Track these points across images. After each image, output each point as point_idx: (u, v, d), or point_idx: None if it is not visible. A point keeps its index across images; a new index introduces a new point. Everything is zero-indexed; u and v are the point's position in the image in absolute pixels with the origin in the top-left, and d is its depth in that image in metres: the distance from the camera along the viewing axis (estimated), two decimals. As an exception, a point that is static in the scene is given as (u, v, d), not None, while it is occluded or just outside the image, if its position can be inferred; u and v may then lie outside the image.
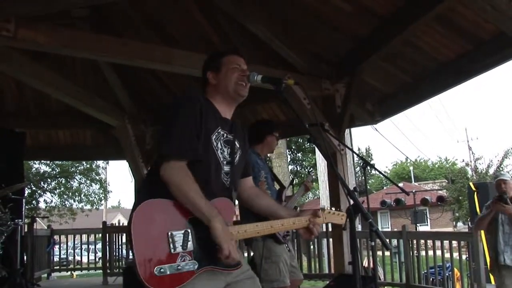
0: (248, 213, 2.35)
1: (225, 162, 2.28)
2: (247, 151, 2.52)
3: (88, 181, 23.63)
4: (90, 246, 10.67)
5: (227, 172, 2.29)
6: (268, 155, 4.40)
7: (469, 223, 9.75)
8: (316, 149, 16.53)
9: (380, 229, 2.16)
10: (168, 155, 2.12)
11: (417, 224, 13.01)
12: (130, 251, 1.98)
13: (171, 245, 2.00)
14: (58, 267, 10.04)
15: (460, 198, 22.53)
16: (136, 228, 1.98)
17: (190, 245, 2.04)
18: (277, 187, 4.43)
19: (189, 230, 2.06)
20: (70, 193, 23.30)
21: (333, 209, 2.49)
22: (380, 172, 4.85)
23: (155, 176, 2.13)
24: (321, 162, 14.70)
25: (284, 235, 4.00)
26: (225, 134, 2.31)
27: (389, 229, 27.86)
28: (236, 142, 2.36)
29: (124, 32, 6.98)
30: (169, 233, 2.01)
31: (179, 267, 2.00)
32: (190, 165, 2.12)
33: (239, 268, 2.22)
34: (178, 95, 2.36)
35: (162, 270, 1.96)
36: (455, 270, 8.90)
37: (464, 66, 5.54)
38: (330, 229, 7.25)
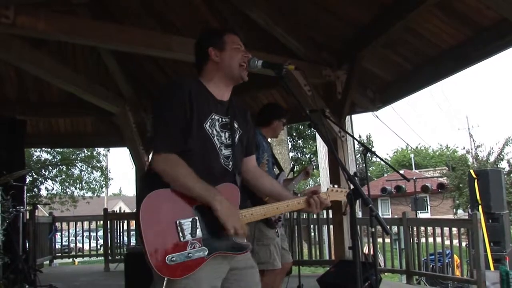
0: (244, 197, 2.35)
1: (223, 147, 2.26)
2: (249, 128, 2.48)
3: (89, 169, 23.67)
4: (91, 233, 10.72)
5: (227, 156, 2.27)
6: (269, 140, 4.42)
7: (469, 210, 9.77)
8: (317, 136, 16.54)
9: (380, 216, 2.17)
10: (157, 149, 2.15)
11: (418, 211, 13.04)
12: (140, 241, 2.00)
13: (180, 234, 2.02)
14: (60, 254, 10.09)
15: (461, 185, 22.52)
16: (144, 220, 2.00)
17: (199, 232, 2.06)
18: (276, 172, 4.44)
19: (197, 218, 2.07)
20: (71, 181, 23.36)
21: (336, 186, 2.51)
22: (380, 158, 4.85)
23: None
24: (321, 149, 14.71)
25: (276, 219, 4.02)
26: (220, 118, 2.27)
27: (390, 216, 27.94)
28: (234, 123, 2.33)
29: (124, 19, 6.96)
30: (177, 222, 2.03)
31: (189, 254, 2.02)
32: (186, 156, 2.12)
33: (248, 251, 2.25)
34: (165, 82, 2.32)
35: (173, 258, 1.98)
36: (455, 257, 8.94)
37: (465, 52, 5.53)
38: (330, 215, 7.27)
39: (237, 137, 2.34)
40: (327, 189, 2.49)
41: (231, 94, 2.40)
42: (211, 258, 2.07)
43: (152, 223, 2.01)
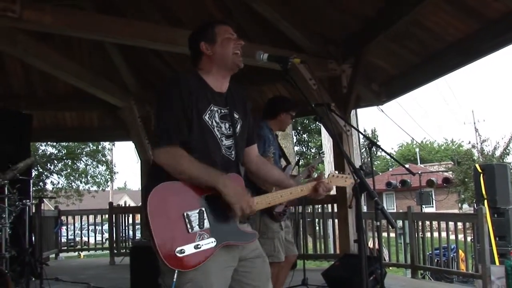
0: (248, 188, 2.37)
1: (224, 138, 2.27)
2: (249, 117, 2.48)
3: (94, 163, 23.74)
4: (97, 227, 10.75)
5: (229, 146, 2.28)
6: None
7: (475, 204, 9.74)
8: (322, 130, 16.50)
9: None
10: (158, 143, 2.16)
11: (423, 206, 13.02)
12: (149, 235, 2.01)
13: (188, 225, 2.03)
14: (65, 247, 10.15)
15: (466, 180, 22.44)
16: (152, 213, 2.01)
17: (206, 223, 2.08)
18: (283, 164, 4.43)
19: (204, 209, 2.09)
20: (77, 175, 23.43)
21: (337, 172, 2.54)
22: (385, 152, 4.82)
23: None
24: (326, 143, 14.70)
25: (281, 212, 4.02)
26: (219, 110, 2.28)
27: (395, 211, 27.89)
28: (234, 113, 2.34)
29: (129, 13, 6.96)
30: (185, 214, 2.04)
31: (198, 245, 2.03)
32: (188, 148, 2.14)
33: (255, 240, 2.27)
34: (166, 79, 2.37)
35: (182, 250, 2.00)
36: (460, 251, 8.92)
37: (472, 46, 5.49)
38: (335, 209, 7.27)
39: (238, 127, 2.35)
40: (328, 175, 2.51)
41: (230, 82, 2.41)
42: (220, 248, 2.09)
43: (160, 216, 2.02)
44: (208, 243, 2.06)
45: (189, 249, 2.01)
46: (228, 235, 2.13)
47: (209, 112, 2.24)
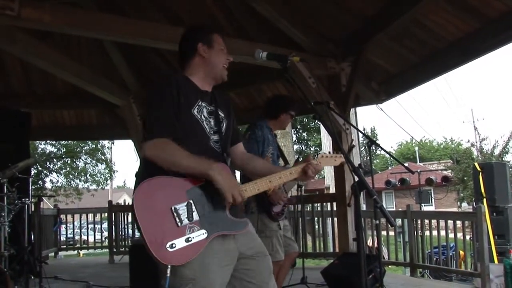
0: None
1: (212, 132, 2.33)
2: (233, 118, 2.53)
3: (93, 161, 23.71)
4: (96, 225, 10.70)
5: (216, 140, 2.33)
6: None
7: (474, 203, 9.74)
8: (321, 129, 16.52)
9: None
10: (150, 136, 2.18)
11: (422, 204, 13.02)
12: (138, 233, 2.00)
13: (177, 219, 2.03)
14: (65, 246, 10.14)
15: (465, 178, 22.44)
16: (139, 209, 2.01)
17: (195, 215, 2.07)
18: (281, 164, 4.42)
19: (192, 201, 2.09)
20: (76, 173, 23.41)
21: (326, 153, 2.56)
22: (384, 150, 4.82)
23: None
24: (326, 142, 14.72)
25: (279, 212, 4.03)
26: (207, 106, 2.35)
27: (394, 209, 27.88)
28: (219, 112, 2.40)
29: (130, 11, 6.95)
30: (173, 208, 2.04)
31: (189, 238, 2.02)
32: (179, 141, 2.15)
33: (247, 228, 2.28)
34: (154, 81, 2.46)
35: (173, 245, 1.98)
36: (461, 252, 8.92)
37: (472, 45, 5.50)
38: (335, 208, 7.27)
39: (224, 125, 2.41)
40: (317, 155, 2.52)
41: (213, 88, 2.47)
42: (212, 239, 2.09)
43: (147, 212, 2.01)
44: (199, 235, 2.05)
45: (180, 243, 2.00)
46: (219, 225, 2.13)
47: (197, 107, 2.30)
